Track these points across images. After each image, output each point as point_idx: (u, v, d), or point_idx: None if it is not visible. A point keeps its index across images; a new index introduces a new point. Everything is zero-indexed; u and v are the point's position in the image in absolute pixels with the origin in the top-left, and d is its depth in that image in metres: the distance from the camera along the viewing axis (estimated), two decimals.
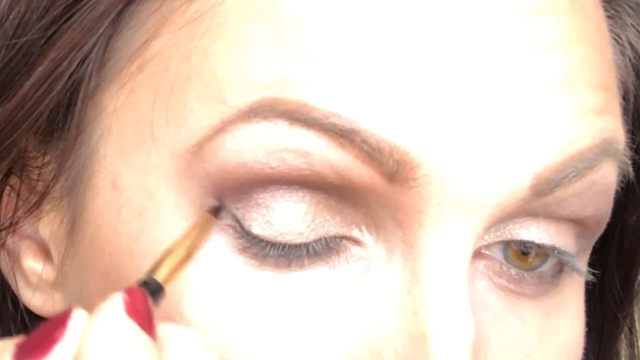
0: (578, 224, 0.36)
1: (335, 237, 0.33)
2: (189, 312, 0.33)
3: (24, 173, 0.38)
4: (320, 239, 0.33)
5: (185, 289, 0.33)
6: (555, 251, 0.35)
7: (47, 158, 0.37)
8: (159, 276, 0.30)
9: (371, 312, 0.33)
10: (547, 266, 0.36)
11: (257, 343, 0.32)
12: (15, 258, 0.39)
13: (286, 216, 0.33)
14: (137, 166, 0.34)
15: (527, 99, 0.32)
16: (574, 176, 0.33)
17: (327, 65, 0.31)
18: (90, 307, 0.35)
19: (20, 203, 0.38)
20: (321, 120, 0.31)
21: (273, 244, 0.33)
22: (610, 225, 0.38)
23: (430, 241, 0.32)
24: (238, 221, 0.33)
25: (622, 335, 0.47)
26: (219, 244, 0.33)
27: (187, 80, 0.33)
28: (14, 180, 0.38)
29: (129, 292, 0.28)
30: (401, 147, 0.31)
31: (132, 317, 0.28)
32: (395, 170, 0.31)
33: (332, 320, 0.33)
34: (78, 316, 0.28)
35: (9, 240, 0.39)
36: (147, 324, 0.28)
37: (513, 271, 0.35)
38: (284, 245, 0.33)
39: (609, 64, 0.36)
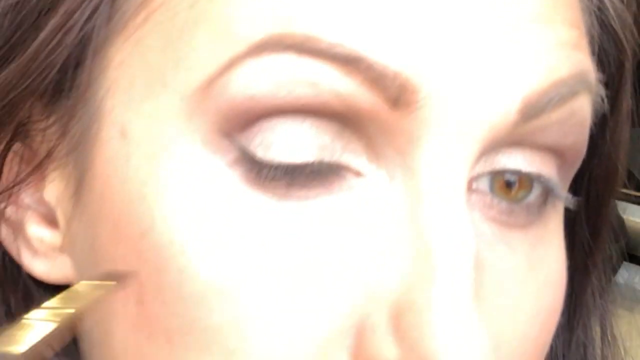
0: (558, 155, 0.38)
1: (337, 166, 0.35)
2: (192, 244, 0.34)
3: (28, 137, 0.39)
4: (322, 168, 0.34)
5: (195, 223, 0.34)
6: (541, 178, 0.38)
7: (50, 120, 0.38)
8: (19, 348, 0.27)
9: (375, 234, 0.35)
10: (532, 197, 0.38)
11: (262, 273, 0.34)
12: (17, 227, 0.40)
13: (291, 144, 0.34)
14: (147, 113, 0.35)
15: (512, 29, 0.34)
16: (558, 101, 0.36)
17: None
18: (104, 260, 0.36)
19: (24, 166, 0.39)
20: (328, 50, 0.33)
21: (276, 168, 0.34)
22: (578, 175, 0.41)
23: (430, 163, 0.34)
24: (244, 150, 0.34)
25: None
26: (228, 176, 0.34)
27: (194, 25, 0.34)
28: (17, 146, 0.39)
29: None
30: (404, 72, 0.33)
31: None
32: (398, 94, 0.33)
33: (338, 246, 0.34)
34: None
35: (11, 211, 0.40)
36: None
37: (503, 204, 0.37)
38: (287, 168, 0.34)
39: (577, 6, 0.38)
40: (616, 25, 0.42)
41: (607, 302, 0.50)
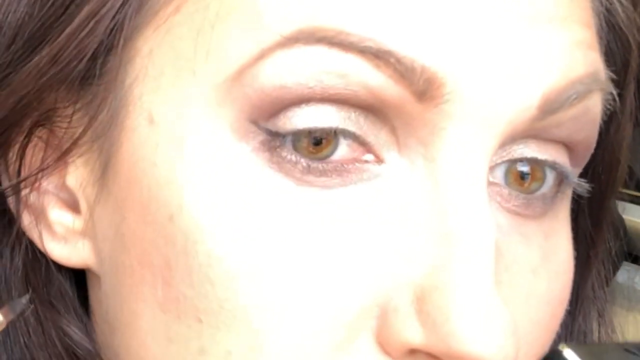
0: (570, 148, 0.39)
1: (361, 154, 0.36)
2: (219, 227, 0.35)
3: (54, 123, 0.39)
4: (346, 155, 0.36)
5: (221, 206, 0.35)
6: (556, 165, 0.39)
7: (77, 106, 0.39)
8: None
9: (399, 222, 0.36)
10: (546, 187, 0.39)
11: (293, 256, 0.35)
12: (39, 212, 0.41)
13: (315, 124, 0.35)
14: (175, 100, 0.36)
15: (531, 29, 0.36)
16: (575, 98, 0.37)
17: None
18: (131, 243, 0.37)
19: (49, 152, 0.40)
20: (358, 43, 0.34)
21: (303, 158, 0.35)
22: (583, 169, 0.42)
23: (452, 153, 0.35)
24: (269, 132, 0.35)
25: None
26: (252, 161, 0.35)
27: (226, 16, 0.35)
28: (41, 132, 0.40)
29: None
30: (431, 67, 0.34)
31: None
32: (424, 88, 0.34)
33: (364, 231, 0.35)
34: None
35: (33, 196, 0.40)
36: None
37: (521, 196, 0.38)
38: (316, 158, 0.35)
39: (589, 7, 0.39)
40: (624, 26, 0.43)
41: (606, 293, 0.51)
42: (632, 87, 0.45)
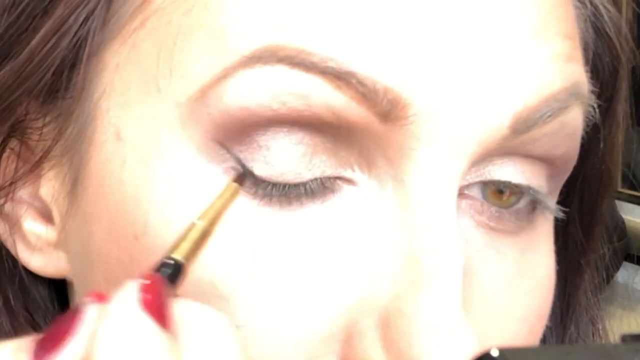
0: (549, 163, 0.38)
1: (331, 177, 0.35)
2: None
3: (25, 135, 0.39)
4: (317, 179, 0.35)
5: (183, 225, 0.34)
6: (530, 190, 0.38)
7: (47, 119, 0.38)
8: (180, 253, 0.31)
9: (367, 244, 0.35)
10: (522, 204, 0.38)
11: (258, 279, 0.34)
12: (14, 222, 0.40)
13: (286, 157, 0.34)
14: (141, 117, 0.36)
15: (505, 45, 0.35)
16: (549, 116, 0.36)
17: (325, 14, 0.33)
18: (98, 258, 0.37)
19: (21, 164, 0.39)
20: (320, 64, 0.33)
21: (274, 184, 0.34)
22: (572, 177, 0.41)
23: (421, 175, 0.34)
24: (241, 163, 0.34)
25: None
26: (222, 184, 0.34)
27: (189, 33, 0.34)
28: (13, 143, 0.39)
29: (145, 279, 0.29)
30: (394, 87, 0.33)
31: (147, 309, 0.28)
32: (388, 109, 0.33)
33: (331, 253, 0.35)
34: (91, 310, 0.28)
35: (7, 206, 0.40)
36: (159, 312, 0.28)
37: (493, 209, 0.37)
38: (284, 185, 0.35)
39: (572, 16, 0.38)
40: (611, 32, 0.42)
41: (599, 300, 0.50)
42: (622, 93, 0.44)
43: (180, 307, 0.29)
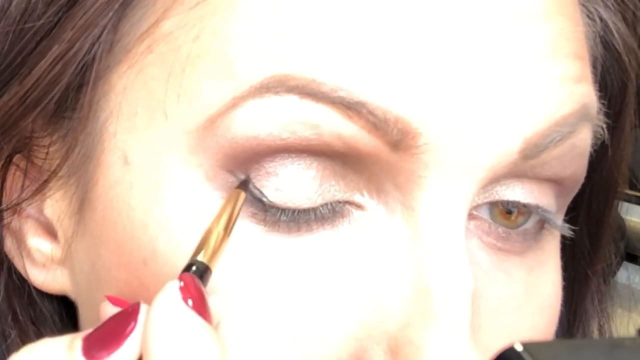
0: (557, 183, 0.38)
1: (340, 202, 0.35)
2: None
3: (31, 153, 0.39)
4: (326, 204, 0.35)
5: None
6: (539, 210, 0.38)
7: (54, 137, 0.38)
8: (204, 257, 0.32)
9: (376, 270, 0.35)
10: (530, 224, 0.38)
11: (267, 305, 0.34)
12: (20, 238, 0.40)
13: (295, 183, 0.34)
14: (149, 142, 0.35)
15: (514, 70, 0.34)
16: (559, 140, 0.36)
17: (335, 43, 0.33)
18: (105, 280, 0.37)
19: (27, 182, 0.39)
20: (330, 94, 0.33)
21: (283, 210, 0.34)
22: (580, 189, 0.41)
23: (430, 202, 0.34)
24: (249, 190, 0.34)
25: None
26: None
27: (197, 59, 0.34)
28: (20, 160, 0.39)
29: (183, 279, 0.30)
30: (405, 117, 0.33)
31: (189, 305, 0.29)
32: (399, 139, 0.33)
33: (340, 280, 0.35)
34: (142, 309, 0.30)
35: (14, 221, 0.40)
36: (202, 308, 0.30)
37: (500, 230, 0.37)
38: (293, 211, 0.34)
39: (582, 35, 0.38)
40: (620, 48, 0.42)
41: (605, 307, 0.50)
42: (630, 107, 0.44)
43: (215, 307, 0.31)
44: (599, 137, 0.39)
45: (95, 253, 0.38)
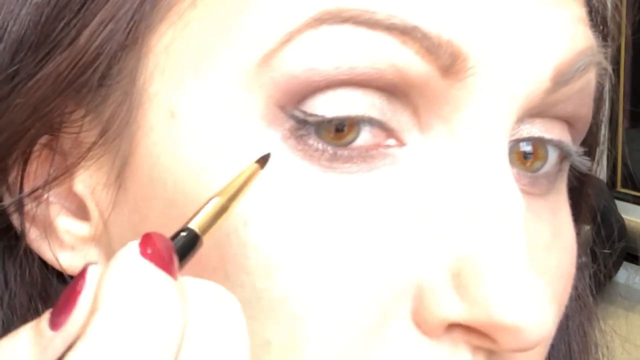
0: (571, 124, 0.40)
1: (383, 139, 0.36)
2: (252, 216, 0.35)
3: (60, 130, 0.38)
4: (368, 141, 0.36)
5: (253, 195, 0.34)
6: (562, 144, 0.40)
7: (88, 109, 0.38)
8: (197, 225, 0.31)
9: (424, 202, 0.36)
10: (548, 166, 0.40)
11: (326, 237, 0.35)
12: (46, 222, 0.40)
13: (342, 117, 0.35)
14: (197, 93, 0.36)
15: (540, 7, 0.37)
16: (582, 70, 0.38)
17: None
18: None
19: (58, 161, 0.39)
20: (384, 21, 0.34)
21: (328, 145, 0.35)
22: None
23: (474, 130, 0.36)
24: (297, 120, 0.35)
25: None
26: (281, 150, 0.35)
27: (246, 5, 0.35)
28: (46, 139, 0.38)
29: (143, 237, 0.29)
30: (456, 41, 0.35)
31: (147, 258, 0.28)
32: (449, 62, 0.35)
33: (389, 211, 0.35)
34: (94, 268, 0.29)
35: (39, 208, 0.39)
36: (164, 263, 0.28)
37: (527, 174, 0.39)
38: (339, 145, 0.35)
39: None
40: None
41: (596, 299, 0.51)
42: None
43: (189, 285, 0.29)
44: (601, 82, 0.41)
45: (139, 216, 0.37)
